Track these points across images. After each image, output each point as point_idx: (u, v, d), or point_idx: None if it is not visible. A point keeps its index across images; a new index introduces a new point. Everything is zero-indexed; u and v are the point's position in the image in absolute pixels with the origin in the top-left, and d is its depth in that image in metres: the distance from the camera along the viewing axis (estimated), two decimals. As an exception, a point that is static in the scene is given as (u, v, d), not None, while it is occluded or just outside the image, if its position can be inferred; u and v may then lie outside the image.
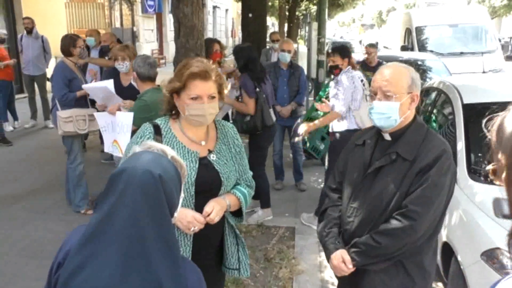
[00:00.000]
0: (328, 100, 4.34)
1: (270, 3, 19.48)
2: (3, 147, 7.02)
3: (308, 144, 6.24)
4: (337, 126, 4.25)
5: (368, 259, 1.95)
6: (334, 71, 4.32)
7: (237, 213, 2.14)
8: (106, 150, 4.01)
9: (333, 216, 2.14)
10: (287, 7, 20.20)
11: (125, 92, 4.18)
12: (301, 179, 5.55)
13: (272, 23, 35.76)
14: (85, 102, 4.64)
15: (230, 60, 6.98)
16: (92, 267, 1.11)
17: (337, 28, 64.89)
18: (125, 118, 3.54)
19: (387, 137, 2.01)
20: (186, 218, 1.85)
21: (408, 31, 12.07)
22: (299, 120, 5.32)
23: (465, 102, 3.45)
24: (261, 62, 5.62)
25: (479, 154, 3.14)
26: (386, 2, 50.23)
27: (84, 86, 4.45)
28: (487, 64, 9.61)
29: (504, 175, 0.88)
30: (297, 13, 22.28)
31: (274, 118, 4.58)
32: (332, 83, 4.45)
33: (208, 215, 1.89)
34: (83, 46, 5.42)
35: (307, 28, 12.07)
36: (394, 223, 1.89)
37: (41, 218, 4.58)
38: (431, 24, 11.58)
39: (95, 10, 15.73)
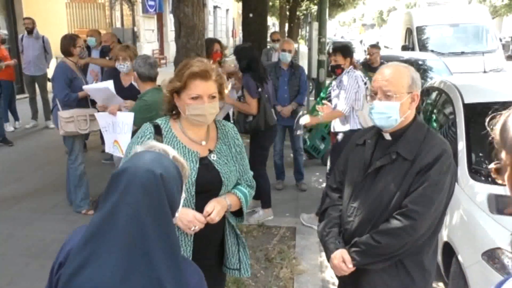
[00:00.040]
0: (330, 101, 4.33)
1: (271, 3, 19.45)
2: (4, 147, 7.03)
3: (308, 143, 6.24)
4: (340, 127, 4.23)
5: (368, 258, 1.95)
6: (336, 70, 4.30)
7: (238, 213, 2.14)
8: (107, 150, 4.01)
9: (333, 216, 2.14)
10: (287, 7, 20.18)
11: (126, 92, 4.19)
12: (302, 179, 5.54)
13: (272, 23, 35.74)
14: (86, 102, 4.65)
15: (230, 60, 6.96)
16: (93, 266, 1.11)
17: (338, 28, 64.83)
18: (126, 118, 3.55)
19: (388, 136, 2.01)
20: (187, 218, 1.85)
21: (409, 31, 12.07)
22: (301, 113, 5.29)
23: (466, 102, 3.44)
24: (262, 62, 5.62)
25: (480, 154, 3.14)
26: (386, 1, 50.26)
27: (84, 87, 4.44)
28: (488, 64, 9.58)
29: (507, 174, 0.88)
30: (297, 13, 22.27)
31: (275, 118, 4.58)
32: (334, 83, 4.44)
33: (209, 214, 1.89)
34: (84, 46, 5.42)
35: (307, 28, 12.09)
36: (395, 222, 1.89)
37: (42, 219, 4.59)
38: (432, 24, 11.58)
39: (96, 10, 15.77)
